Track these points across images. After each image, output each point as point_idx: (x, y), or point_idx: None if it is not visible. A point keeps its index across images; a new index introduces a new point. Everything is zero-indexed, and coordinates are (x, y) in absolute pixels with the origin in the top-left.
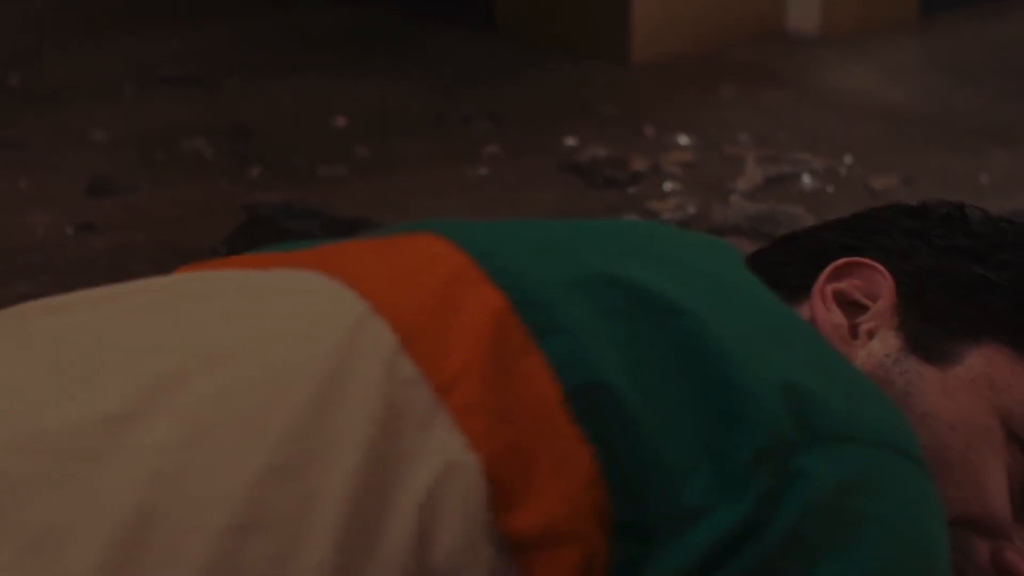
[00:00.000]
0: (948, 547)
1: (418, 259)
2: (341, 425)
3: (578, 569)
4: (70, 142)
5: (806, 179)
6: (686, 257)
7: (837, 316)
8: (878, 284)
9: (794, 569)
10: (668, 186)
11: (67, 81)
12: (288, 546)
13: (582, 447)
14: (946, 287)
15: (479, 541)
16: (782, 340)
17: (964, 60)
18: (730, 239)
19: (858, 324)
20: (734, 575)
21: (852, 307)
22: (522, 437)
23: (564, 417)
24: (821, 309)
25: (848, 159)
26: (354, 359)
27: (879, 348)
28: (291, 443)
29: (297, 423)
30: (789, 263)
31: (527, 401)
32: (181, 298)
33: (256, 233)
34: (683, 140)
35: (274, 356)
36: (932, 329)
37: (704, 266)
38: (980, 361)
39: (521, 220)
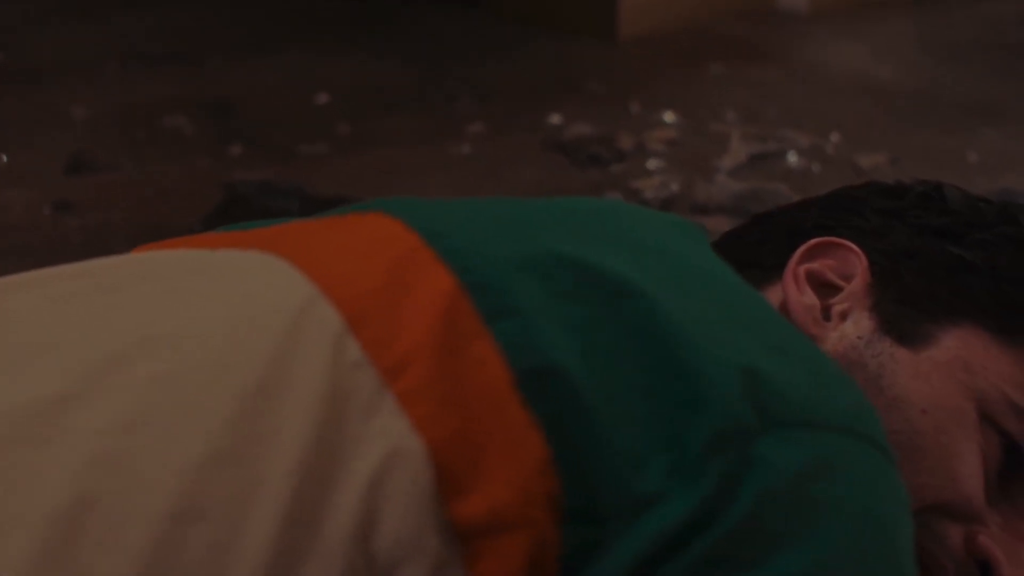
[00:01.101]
0: (911, 534)
1: (368, 239)
2: (285, 410)
3: (527, 556)
4: (50, 120)
5: (792, 157)
6: (647, 237)
7: (809, 297)
8: (852, 264)
9: (751, 557)
10: (652, 164)
11: (48, 58)
12: (228, 533)
13: (533, 432)
14: (921, 268)
15: (425, 529)
16: (743, 323)
17: (954, 38)
18: (713, 218)
19: (831, 305)
20: (689, 564)
21: (825, 288)
22: (471, 422)
23: (515, 402)
24: (793, 290)
25: (835, 137)
26: (299, 342)
27: (852, 330)
28: (233, 428)
29: (240, 408)
30: (763, 243)
31: (477, 385)
32: (127, 280)
33: (235, 212)
34: (669, 117)
35: (218, 339)
36: (906, 310)
37: (665, 247)
38: (955, 343)
39: (477, 199)
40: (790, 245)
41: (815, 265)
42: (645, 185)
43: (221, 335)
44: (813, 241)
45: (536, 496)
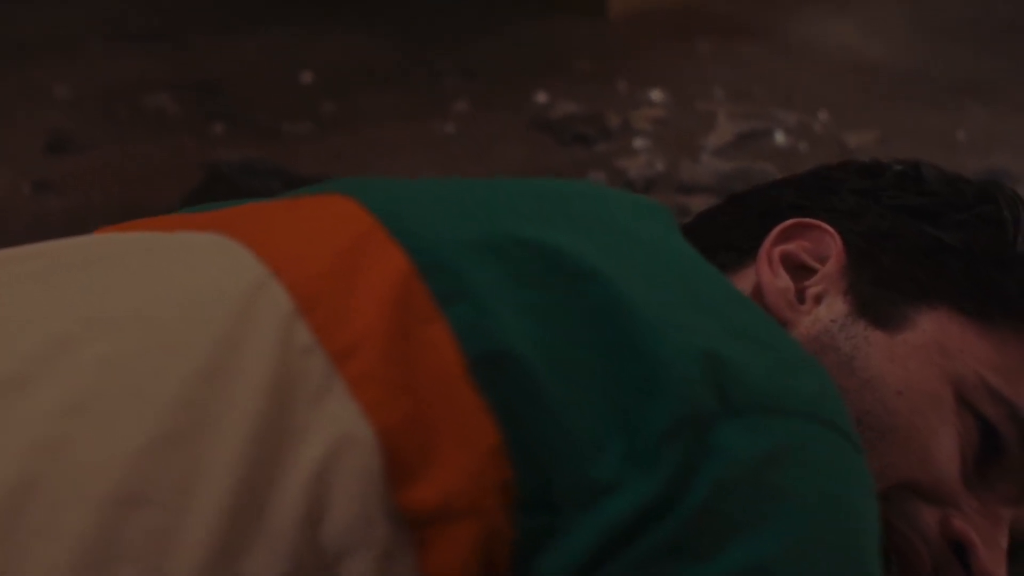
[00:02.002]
0: (876, 523)
1: (323, 221)
2: (232, 395)
3: (478, 544)
4: (32, 98)
5: (779, 136)
6: (610, 219)
7: (783, 280)
8: (827, 246)
9: (708, 547)
10: (638, 143)
11: (31, 36)
12: (171, 519)
13: (485, 418)
14: (897, 249)
15: (374, 516)
16: (706, 307)
17: (945, 15)
18: (698, 198)
19: (805, 288)
20: (645, 553)
21: (800, 270)
22: (423, 408)
23: (468, 387)
24: (767, 273)
25: (823, 115)
26: (249, 326)
27: (826, 313)
28: (179, 412)
29: (186, 392)
30: (737, 224)
31: (429, 370)
32: (80, 262)
33: (216, 192)
34: (656, 96)
35: (167, 322)
36: (882, 293)
37: (629, 229)
38: (931, 326)
39: (437, 179)
40: (765, 226)
41: (790, 247)
42: (630, 164)
43: (170, 318)
44: (788, 222)
45: (488, 483)
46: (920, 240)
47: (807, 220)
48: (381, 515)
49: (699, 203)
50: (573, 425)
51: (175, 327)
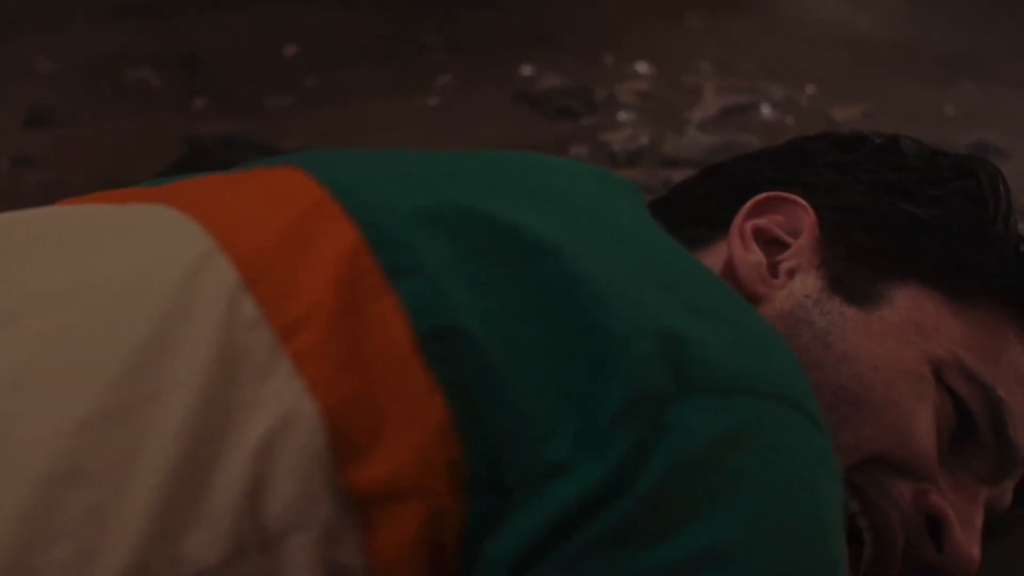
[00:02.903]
0: (840, 504)
1: (272, 193)
2: (174, 371)
3: (424, 525)
4: (13, 72)
5: (765, 110)
6: (569, 193)
7: (755, 254)
8: (800, 220)
9: (661, 531)
10: (623, 116)
11: (15, 10)
12: (109, 497)
13: (434, 396)
14: (872, 225)
15: (318, 495)
16: (666, 283)
17: None
18: (682, 171)
19: (778, 263)
20: (596, 537)
21: (773, 245)
22: (370, 385)
23: (416, 364)
24: (739, 247)
25: (810, 89)
26: (193, 300)
27: (800, 288)
28: (119, 389)
29: (128, 367)
30: (710, 197)
31: (378, 346)
32: (28, 236)
33: (196, 166)
34: (642, 68)
35: (110, 296)
36: (856, 268)
37: (588, 203)
38: (906, 303)
39: (394, 151)
40: (738, 200)
41: (762, 221)
42: (614, 138)
43: (113, 292)
44: (761, 196)
45: (436, 463)
46: (896, 216)
47: (781, 194)
48: (325, 494)
49: (683, 176)
50: (524, 404)
51: (118, 301)
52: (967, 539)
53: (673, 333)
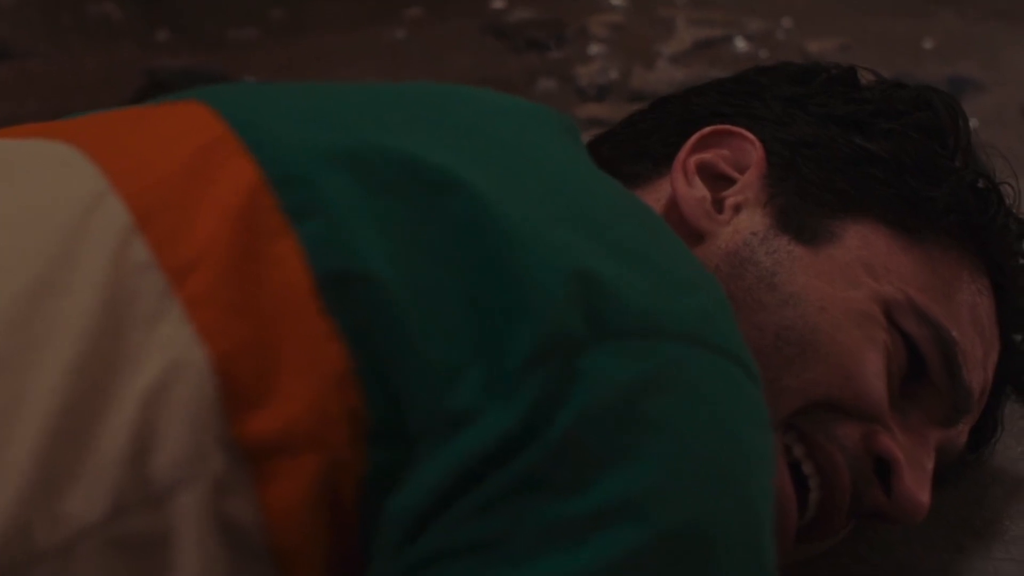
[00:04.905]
0: (768, 453)
1: (171, 129)
2: (59, 316)
3: (320, 479)
4: None
5: (739, 43)
6: (490, 128)
7: (699, 189)
8: (747, 155)
9: (572, 481)
10: (594, 50)
11: None
12: None
13: (333, 342)
14: (822, 159)
15: (207, 447)
16: (587, 222)
17: None
18: None
19: (724, 198)
20: (500, 488)
21: (719, 180)
22: (265, 332)
23: (314, 309)
24: (682, 183)
25: (786, 22)
26: (82, 242)
27: (745, 224)
28: (2, 335)
29: (11, 312)
30: (656, 131)
31: (274, 291)
32: None
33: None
34: (616, 1)
35: None
36: (804, 205)
37: (510, 139)
38: (856, 241)
39: (306, 84)
40: (682, 133)
41: (707, 155)
42: (583, 72)
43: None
44: (707, 129)
45: (333, 413)
46: (847, 150)
47: (727, 127)
48: (215, 447)
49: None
50: (430, 350)
51: (4, 244)
52: (916, 483)
53: (589, 274)
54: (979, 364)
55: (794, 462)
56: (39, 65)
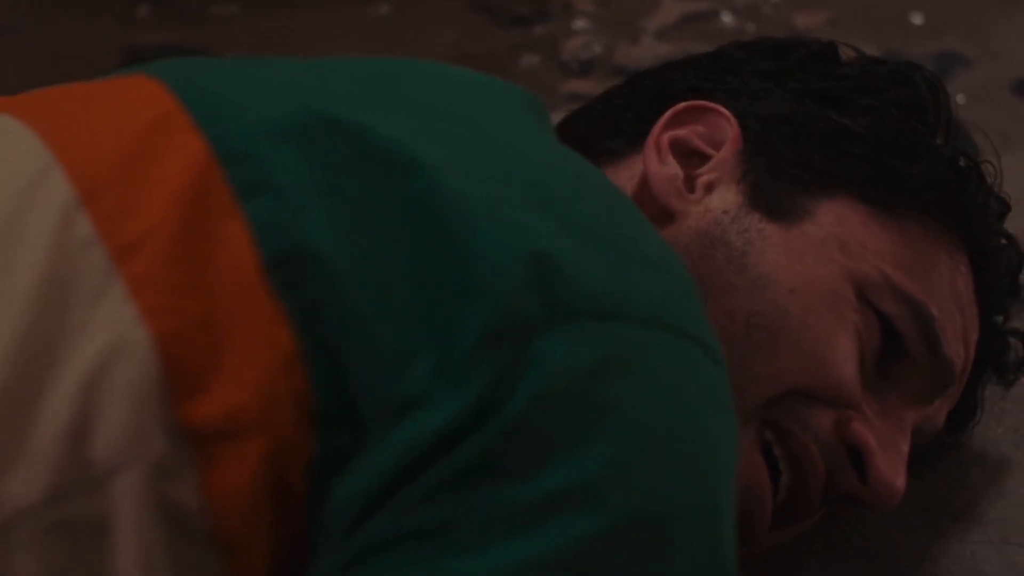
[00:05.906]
0: (731, 439)
1: (120, 103)
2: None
3: (266, 463)
4: None
5: (725, 17)
6: (449, 104)
7: (671, 167)
8: (722, 131)
9: (523, 467)
10: (578, 24)
11: None
12: None
13: (280, 325)
14: (798, 135)
15: (149, 431)
16: (547, 201)
17: None
18: None
19: (696, 176)
20: (449, 474)
21: (693, 157)
22: (211, 313)
23: (262, 290)
24: (654, 160)
25: None
26: (25, 219)
27: (717, 203)
28: None
29: None
30: (629, 107)
31: (221, 271)
32: None
33: None
34: None
35: None
36: (778, 182)
37: (469, 114)
38: (830, 219)
39: (260, 59)
40: (657, 110)
41: (681, 132)
42: (566, 47)
43: None
44: (681, 105)
45: (281, 396)
46: (824, 126)
47: (702, 103)
48: (157, 430)
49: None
50: (380, 333)
51: None
52: (890, 467)
53: (545, 255)
54: (959, 338)
55: (764, 443)
56: (17, 39)
